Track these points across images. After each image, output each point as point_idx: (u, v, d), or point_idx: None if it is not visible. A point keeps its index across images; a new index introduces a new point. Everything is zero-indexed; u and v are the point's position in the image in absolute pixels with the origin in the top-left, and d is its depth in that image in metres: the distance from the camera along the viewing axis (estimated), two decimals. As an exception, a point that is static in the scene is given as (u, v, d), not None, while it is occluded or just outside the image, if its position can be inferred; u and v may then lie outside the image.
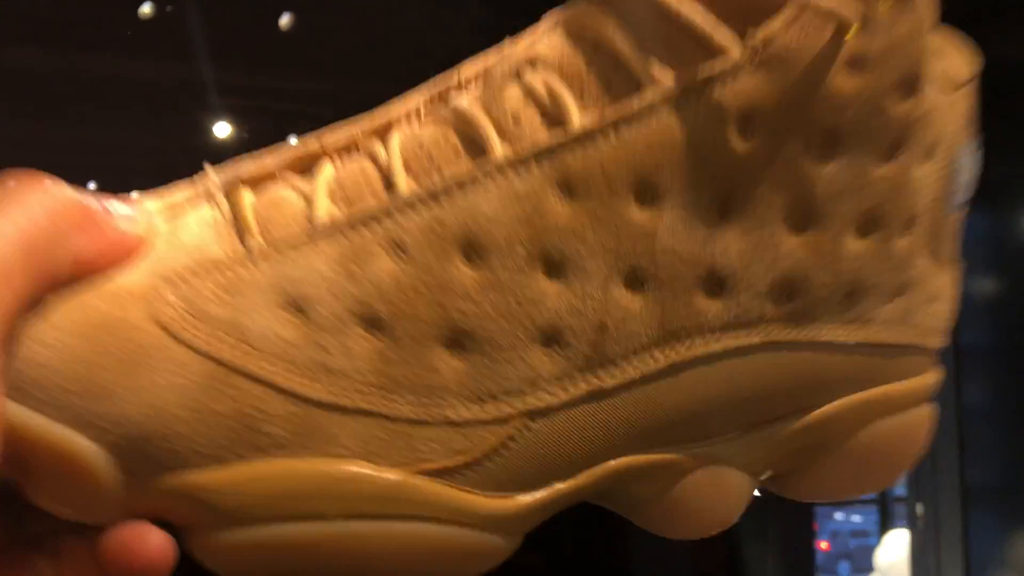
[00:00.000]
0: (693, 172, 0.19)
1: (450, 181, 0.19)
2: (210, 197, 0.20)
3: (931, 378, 0.24)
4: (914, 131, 0.20)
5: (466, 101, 0.20)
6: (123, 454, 0.17)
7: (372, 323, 0.18)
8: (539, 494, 0.20)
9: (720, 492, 0.22)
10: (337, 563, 0.18)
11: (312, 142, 0.21)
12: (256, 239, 0.19)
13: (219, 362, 0.17)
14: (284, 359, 0.18)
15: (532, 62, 0.20)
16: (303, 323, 0.18)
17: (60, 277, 0.17)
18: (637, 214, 0.19)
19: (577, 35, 0.20)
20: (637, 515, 0.22)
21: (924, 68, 0.19)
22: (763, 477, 0.23)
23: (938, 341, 0.24)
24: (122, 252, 0.18)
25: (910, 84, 0.19)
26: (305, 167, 0.20)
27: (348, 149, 0.21)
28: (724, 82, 0.18)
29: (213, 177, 0.20)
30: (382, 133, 0.21)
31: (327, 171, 0.20)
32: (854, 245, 0.20)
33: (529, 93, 0.20)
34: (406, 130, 0.20)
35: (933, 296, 0.23)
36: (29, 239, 0.16)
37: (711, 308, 0.20)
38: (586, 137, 0.18)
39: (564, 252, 0.19)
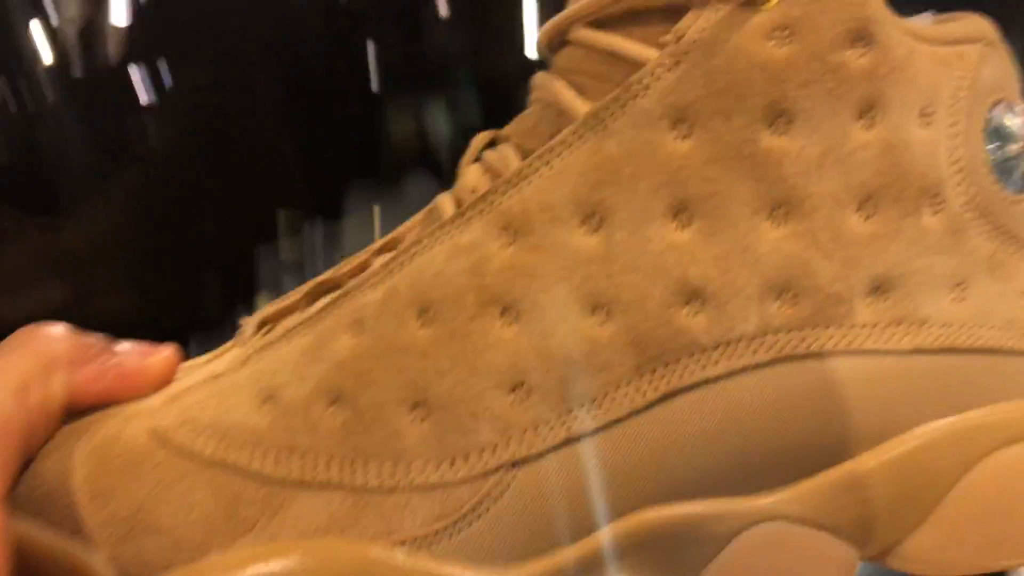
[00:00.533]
0: (635, 185, 0.18)
1: (402, 250, 0.19)
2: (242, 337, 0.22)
3: None
4: (886, 89, 0.18)
5: (438, 199, 0.21)
6: (119, 556, 0.18)
7: (336, 398, 0.18)
8: (542, 563, 0.17)
9: (786, 556, 0.18)
10: None
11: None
12: (253, 353, 0.20)
13: (199, 458, 0.18)
14: (257, 445, 0.18)
15: (493, 141, 0.21)
16: (274, 410, 0.18)
17: (53, 402, 0.19)
18: (585, 240, 0.18)
19: (534, 100, 0.21)
20: None
21: (875, 20, 0.18)
22: (869, 548, 0.19)
23: None
24: (132, 380, 0.20)
25: (858, 37, 0.17)
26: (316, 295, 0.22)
27: (358, 269, 0.22)
28: (646, 88, 0.18)
29: (247, 322, 0.22)
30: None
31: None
32: (861, 227, 0.18)
33: (487, 167, 0.20)
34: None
35: (1022, 289, 0.19)
36: (18, 372, 0.18)
37: (697, 324, 0.18)
38: (518, 177, 0.18)
39: (515, 293, 0.18)
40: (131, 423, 0.19)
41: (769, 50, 0.17)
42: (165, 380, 0.21)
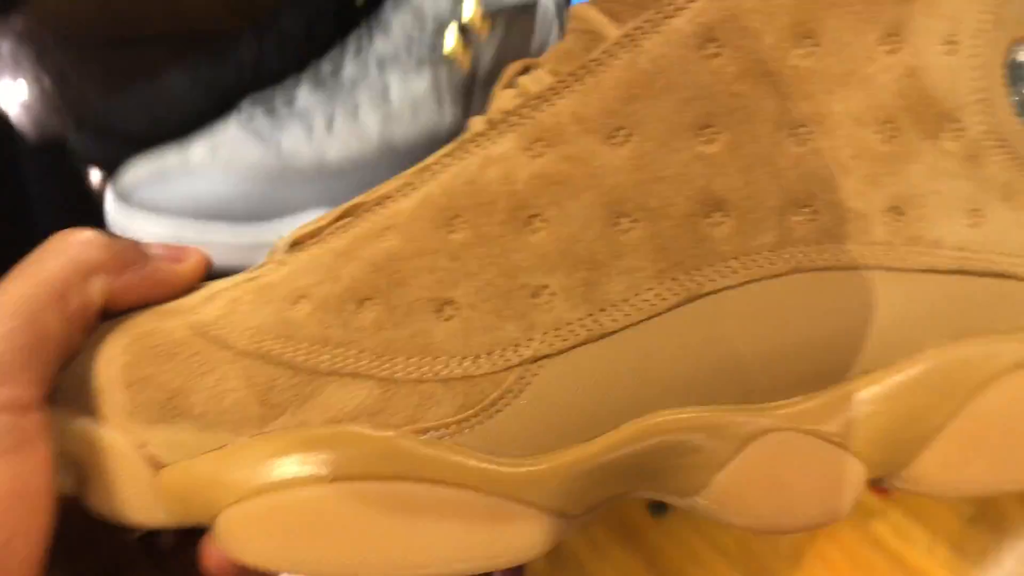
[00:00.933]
0: (665, 98, 0.18)
1: (436, 158, 0.20)
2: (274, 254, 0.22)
3: None
4: (913, 15, 0.18)
5: (471, 121, 0.21)
6: (149, 442, 0.18)
7: (368, 296, 0.19)
8: (558, 458, 0.18)
9: (796, 465, 0.18)
10: (341, 532, 0.17)
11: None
12: (289, 256, 0.21)
13: (234, 348, 0.19)
14: (290, 338, 0.19)
15: (527, 68, 0.22)
16: (307, 306, 0.19)
17: (91, 309, 0.20)
18: (615, 151, 0.18)
19: (570, 31, 0.21)
20: (697, 504, 0.19)
21: None
22: (881, 464, 0.19)
23: None
24: (165, 286, 0.21)
25: None
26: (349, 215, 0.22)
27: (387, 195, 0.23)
28: (677, 9, 0.18)
29: (278, 243, 0.23)
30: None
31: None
32: (882, 147, 0.18)
33: (521, 91, 0.21)
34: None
35: None
36: (56, 280, 0.19)
37: (719, 232, 0.18)
38: (551, 93, 0.19)
39: (544, 199, 0.18)
40: (168, 318, 0.20)
41: None
42: (195, 283, 0.22)
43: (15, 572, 0.17)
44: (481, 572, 0.18)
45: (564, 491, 0.18)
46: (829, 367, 0.18)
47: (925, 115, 0.18)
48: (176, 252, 0.22)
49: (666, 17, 0.18)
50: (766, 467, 0.18)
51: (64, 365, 0.19)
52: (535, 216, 0.19)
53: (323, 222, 0.22)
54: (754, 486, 0.18)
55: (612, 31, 0.19)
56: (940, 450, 0.19)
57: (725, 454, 0.18)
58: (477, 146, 0.19)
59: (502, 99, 0.21)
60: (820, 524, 0.18)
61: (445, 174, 0.19)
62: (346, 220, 0.20)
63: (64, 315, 0.19)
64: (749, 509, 0.18)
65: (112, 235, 0.21)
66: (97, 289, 0.20)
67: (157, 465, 0.19)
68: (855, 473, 0.19)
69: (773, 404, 0.18)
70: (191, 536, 0.22)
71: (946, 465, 0.19)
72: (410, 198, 0.19)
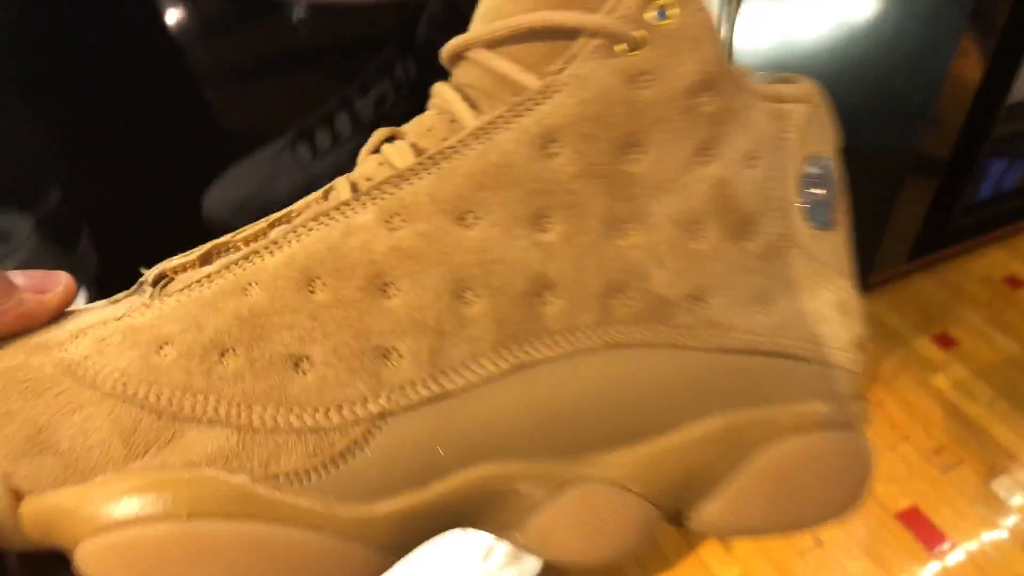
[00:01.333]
0: (507, 191, 0.21)
1: (303, 221, 0.21)
2: (141, 287, 0.24)
3: (840, 403, 0.23)
4: (723, 134, 0.21)
5: (337, 182, 0.23)
6: (13, 473, 0.19)
7: (230, 348, 0.20)
8: (394, 504, 0.20)
9: (597, 513, 0.21)
10: (191, 565, 0.19)
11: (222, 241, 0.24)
12: (155, 300, 0.22)
13: (101, 389, 0.20)
14: (154, 383, 0.20)
15: (392, 137, 0.23)
16: (172, 352, 0.20)
17: None
18: (463, 232, 0.21)
19: (432, 105, 0.24)
20: (515, 539, 0.21)
21: (723, 75, 0.21)
22: (671, 508, 0.23)
23: (843, 360, 0.23)
24: (31, 318, 0.22)
25: (708, 88, 0.21)
26: (211, 256, 0.24)
27: (253, 237, 0.24)
28: (527, 109, 0.21)
29: (146, 273, 0.24)
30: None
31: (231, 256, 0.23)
32: (690, 245, 0.21)
33: (384, 160, 0.23)
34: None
35: (815, 309, 0.23)
36: None
37: (549, 311, 0.21)
38: (412, 172, 0.21)
39: (398, 270, 0.21)
40: (37, 354, 0.21)
41: (633, 91, 0.21)
42: (61, 311, 0.22)
43: None
44: None
45: (397, 531, 0.20)
46: (633, 427, 0.21)
47: (730, 219, 0.22)
48: (42, 282, 0.23)
49: (516, 116, 0.21)
50: (573, 511, 0.21)
51: None
52: (389, 284, 0.21)
53: (189, 258, 0.23)
54: (561, 527, 0.21)
55: (470, 119, 0.21)
56: (719, 499, 0.22)
57: (539, 498, 0.21)
58: (342, 214, 0.21)
59: (367, 165, 0.23)
60: (616, 558, 0.21)
61: (310, 237, 0.21)
62: (213, 269, 0.22)
63: None
64: (557, 545, 0.21)
65: None
66: None
67: (18, 495, 0.20)
68: (649, 516, 0.22)
69: (584, 457, 0.21)
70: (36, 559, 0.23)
71: (723, 512, 0.22)
72: (276, 256, 0.21)
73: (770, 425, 0.22)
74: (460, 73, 0.23)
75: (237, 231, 0.24)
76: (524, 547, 0.22)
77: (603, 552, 0.21)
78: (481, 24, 0.22)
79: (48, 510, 0.20)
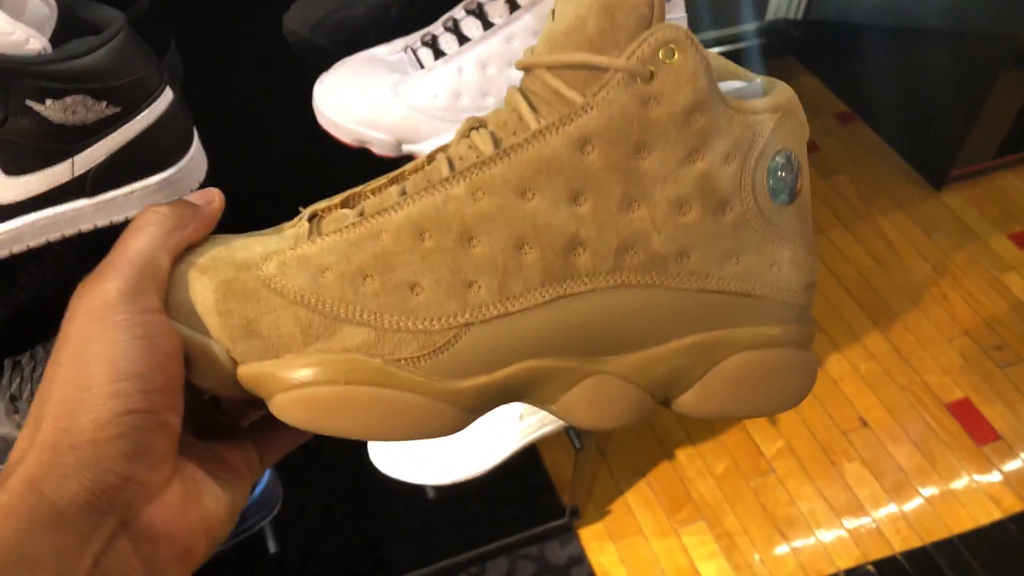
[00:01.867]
0: (554, 176, 0.30)
1: (417, 190, 0.31)
2: (299, 221, 0.34)
3: (789, 328, 0.32)
4: (708, 141, 0.30)
5: (437, 156, 0.33)
6: (233, 349, 0.31)
7: (369, 274, 0.31)
8: (474, 381, 0.31)
9: (606, 395, 0.32)
10: (347, 414, 0.31)
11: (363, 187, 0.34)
12: (316, 236, 0.32)
13: (287, 298, 0.31)
14: (321, 295, 0.31)
15: (478, 125, 0.33)
16: (332, 276, 0.31)
17: (179, 252, 0.31)
18: (523, 205, 0.30)
19: (507, 102, 0.33)
20: (551, 409, 0.33)
21: (710, 100, 0.29)
22: (660, 396, 0.33)
23: (795, 298, 0.33)
24: (211, 220, 0.33)
25: (697, 108, 0.29)
26: (348, 201, 0.34)
27: (377, 190, 0.34)
28: (571, 120, 0.30)
29: (303, 212, 0.35)
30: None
31: (362, 203, 0.33)
32: (680, 219, 0.31)
33: (471, 144, 0.32)
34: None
35: (774, 262, 0.32)
36: (158, 237, 0.31)
37: (579, 262, 0.31)
38: (491, 161, 0.30)
39: (480, 229, 0.30)
40: (242, 271, 0.31)
41: (644, 110, 0.29)
42: (220, 214, 0.33)
43: (178, 393, 0.29)
44: (420, 439, 0.31)
45: (475, 398, 0.31)
46: (634, 340, 0.32)
47: (710, 201, 0.31)
48: (207, 196, 0.34)
49: (563, 124, 0.30)
50: (590, 393, 0.32)
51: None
52: (473, 238, 0.31)
53: (333, 201, 0.34)
54: (581, 403, 0.32)
55: (532, 122, 0.31)
56: (695, 393, 0.33)
57: (568, 384, 0.32)
58: (444, 187, 0.31)
59: (460, 147, 0.32)
60: (617, 427, 0.32)
61: (422, 202, 0.31)
62: (354, 215, 0.32)
63: (167, 257, 0.31)
64: (577, 416, 0.32)
65: (174, 203, 0.32)
66: (181, 237, 0.32)
67: (236, 363, 0.31)
68: (642, 400, 0.32)
69: (600, 358, 0.32)
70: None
71: (696, 399, 0.33)
72: (398, 213, 0.31)
73: (734, 342, 0.32)
74: (527, 81, 0.32)
75: (366, 185, 0.34)
76: (555, 415, 0.33)
77: (608, 422, 0.32)
78: (545, 48, 0.31)
79: (255, 373, 0.31)
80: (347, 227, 0.32)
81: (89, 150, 0.46)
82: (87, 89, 0.43)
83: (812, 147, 1.87)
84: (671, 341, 0.32)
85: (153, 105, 0.47)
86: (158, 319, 0.29)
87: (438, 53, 0.56)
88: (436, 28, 0.57)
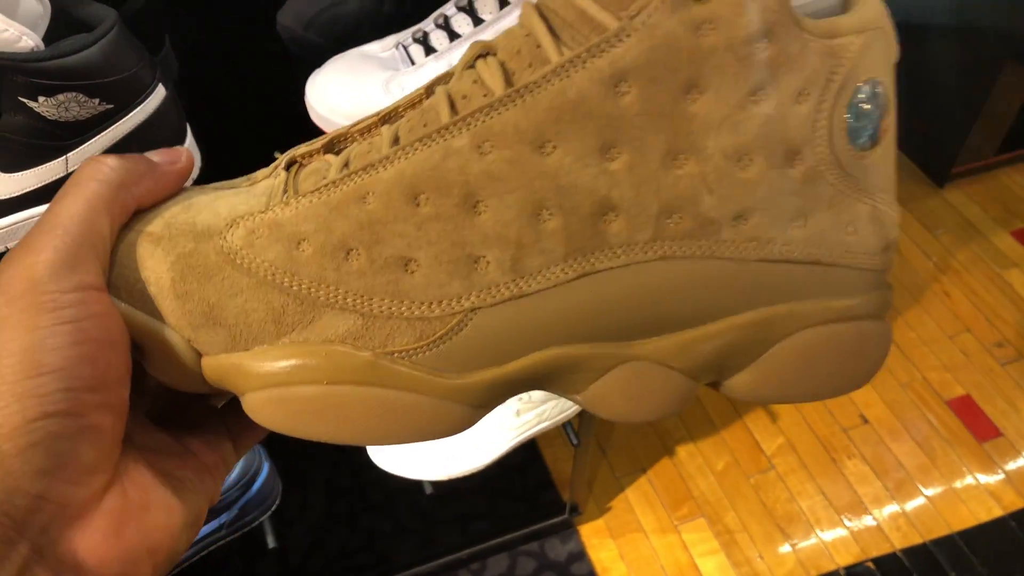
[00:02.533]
0: (580, 124, 0.24)
1: (411, 140, 0.25)
2: (275, 170, 0.28)
3: (865, 298, 0.26)
4: (775, 77, 0.24)
5: (437, 91, 0.26)
6: (194, 339, 0.25)
7: (353, 248, 0.25)
8: (482, 376, 0.25)
9: (644, 384, 0.26)
10: (331, 417, 0.25)
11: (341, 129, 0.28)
12: (291, 198, 0.26)
13: (256, 276, 0.25)
14: (295, 274, 0.25)
15: (486, 52, 0.26)
16: (308, 249, 0.25)
17: (126, 214, 0.25)
18: (542, 159, 0.24)
19: (521, 24, 0.26)
20: (576, 399, 0.27)
21: (780, 23, 0.23)
22: (705, 380, 0.27)
23: (871, 262, 0.26)
24: (171, 183, 0.27)
25: (764, 35, 0.23)
26: (333, 145, 0.28)
27: (366, 130, 0.28)
28: (602, 51, 0.23)
29: (280, 158, 0.28)
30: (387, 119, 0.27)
31: (348, 149, 0.27)
32: (738, 174, 0.24)
33: (477, 78, 0.26)
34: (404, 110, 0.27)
35: (849, 222, 0.26)
36: (102, 195, 0.25)
37: (611, 228, 0.24)
38: (500, 103, 0.24)
39: (487, 191, 0.24)
40: (202, 241, 0.25)
41: (695, 39, 0.23)
42: (188, 175, 0.27)
43: (114, 389, 0.23)
44: (420, 441, 0.26)
45: (484, 394, 0.25)
46: (676, 320, 0.25)
47: (776, 151, 0.24)
48: (170, 155, 0.28)
49: (592, 56, 0.23)
50: (624, 382, 0.26)
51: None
52: (480, 203, 0.24)
53: (314, 146, 0.28)
54: (614, 393, 0.26)
55: (552, 53, 0.24)
56: (750, 374, 0.26)
57: (598, 372, 0.26)
58: (442, 137, 0.25)
59: (463, 82, 0.26)
60: (655, 419, 0.26)
61: (416, 156, 0.25)
62: (335, 172, 0.26)
63: (111, 221, 0.25)
64: (610, 407, 0.26)
65: (123, 155, 0.26)
66: (129, 197, 0.26)
67: (199, 354, 0.25)
68: (683, 387, 0.26)
69: (635, 342, 0.26)
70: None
71: (752, 382, 0.27)
72: (388, 171, 0.25)
73: (800, 317, 0.26)
74: (548, 6, 0.25)
75: (352, 124, 0.28)
76: (581, 405, 0.27)
77: (645, 414, 0.26)
78: None
79: (222, 367, 0.25)
80: (328, 185, 0.26)
81: (82, 147, 0.46)
82: (80, 86, 0.44)
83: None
84: (722, 319, 0.26)
85: (146, 102, 0.47)
86: (93, 298, 0.23)
87: (429, 50, 0.56)
88: (427, 25, 0.58)
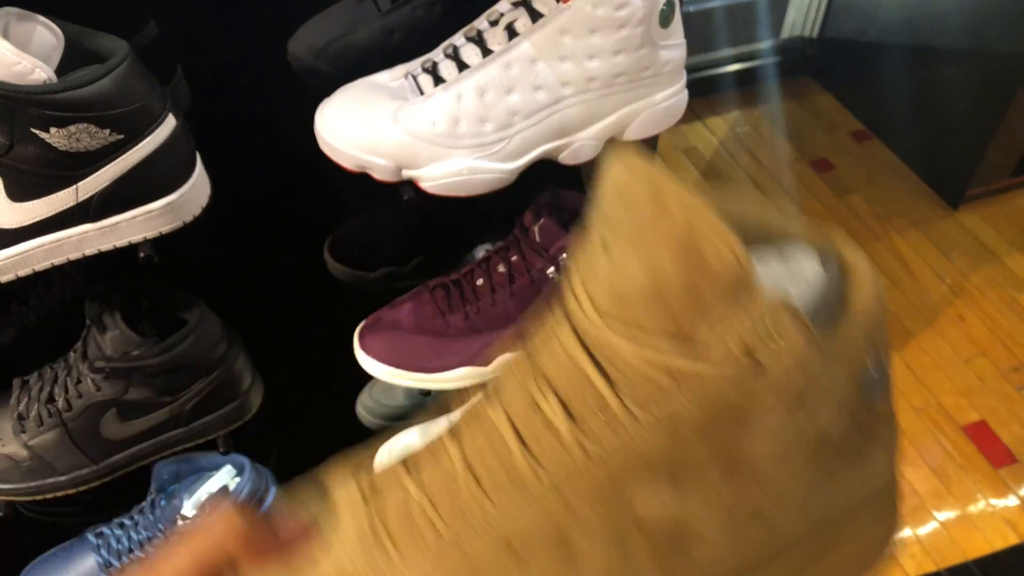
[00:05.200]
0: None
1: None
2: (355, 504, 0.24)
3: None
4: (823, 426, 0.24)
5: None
6: None
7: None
8: None
9: None
10: None
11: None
12: (390, 551, 0.23)
13: None
14: None
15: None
16: None
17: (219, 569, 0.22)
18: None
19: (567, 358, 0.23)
20: None
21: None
22: None
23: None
24: (292, 564, 0.23)
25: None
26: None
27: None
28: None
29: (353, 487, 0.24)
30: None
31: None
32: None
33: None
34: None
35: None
36: (206, 558, 0.22)
37: None
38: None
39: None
40: None
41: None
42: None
43: None
44: None
45: None
46: None
47: (824, 455, 0.23)
48: (304, 527, 0.23)
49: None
50: None
51: None
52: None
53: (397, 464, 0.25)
54: None
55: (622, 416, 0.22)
56: None
57: None
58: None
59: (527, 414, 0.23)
60: None
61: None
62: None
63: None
64: None
65: (252, 515, 0.23)
66: (220, 559, 0.22)
67: None
68: None
69: None
70: None
71: None
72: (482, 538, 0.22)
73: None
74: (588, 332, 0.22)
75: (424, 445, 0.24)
76: None
77: None
78: (611, 304, 0.22)
79: None
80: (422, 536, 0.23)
81: (93, 176, 0.47)
82: (91, 117, 0.44)
83: (827, 165, 1.87)
84: None
85: (156, 132, 0.48)
86: None
87: (438, 80, 0.56)
88: (436, 55, 0.58)
